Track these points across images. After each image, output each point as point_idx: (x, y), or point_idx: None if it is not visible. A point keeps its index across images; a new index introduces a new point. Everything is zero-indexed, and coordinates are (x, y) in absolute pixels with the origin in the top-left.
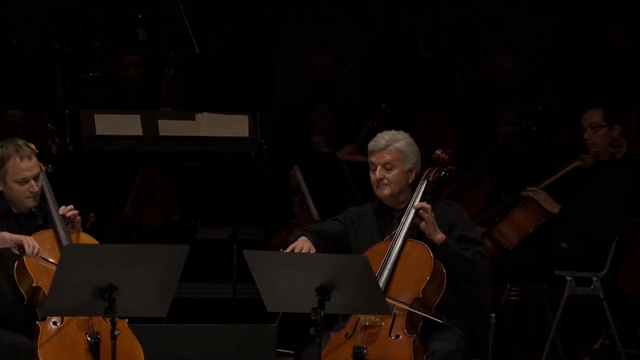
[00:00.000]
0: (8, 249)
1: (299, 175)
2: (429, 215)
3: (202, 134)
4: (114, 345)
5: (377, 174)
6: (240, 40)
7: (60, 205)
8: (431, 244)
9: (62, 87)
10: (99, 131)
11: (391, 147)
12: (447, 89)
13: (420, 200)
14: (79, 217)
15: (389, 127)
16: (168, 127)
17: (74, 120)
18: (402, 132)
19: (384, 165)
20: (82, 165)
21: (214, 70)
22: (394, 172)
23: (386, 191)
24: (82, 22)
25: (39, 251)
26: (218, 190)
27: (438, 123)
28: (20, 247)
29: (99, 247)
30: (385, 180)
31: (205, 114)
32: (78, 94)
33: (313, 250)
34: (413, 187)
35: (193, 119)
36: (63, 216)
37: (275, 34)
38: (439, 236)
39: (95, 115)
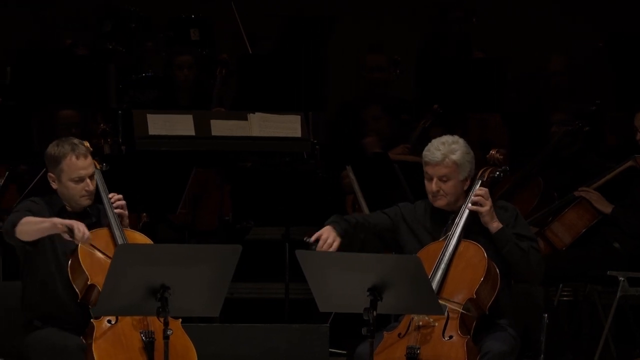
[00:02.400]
0: (63, 246)
1: (351, 176)
2: (487, 201)
3: (254, 134)
4: (166, 345)
5: (434, 186)
6: (292, 41)
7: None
8: (484, 240)
9: (115, 88)
10: (152, 131)
11: (447, 159)
12: (499, 89)
13: (471, 206)
14: (124, 209)
15: (440, 127)
16: (220, 127)
17: (126, 121)
18: (458, 140)
19: (440, 178)
20: (135, 166)
21: (266, 70)
22: (450, 183)
23: (442, 202)
24: (135, 23)
25: (89, 238)
26: (270, 190)
27: (490, 123)
28: (70, 231)
29: (151, 247)
30: (441, 192)
31: (257, 114)
32: (131, 94)
33: (337, 240)
34: (468, 189)
35: (245, 119)
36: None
37: (328, 34)
38: (496, 224)
39: (148, 116)
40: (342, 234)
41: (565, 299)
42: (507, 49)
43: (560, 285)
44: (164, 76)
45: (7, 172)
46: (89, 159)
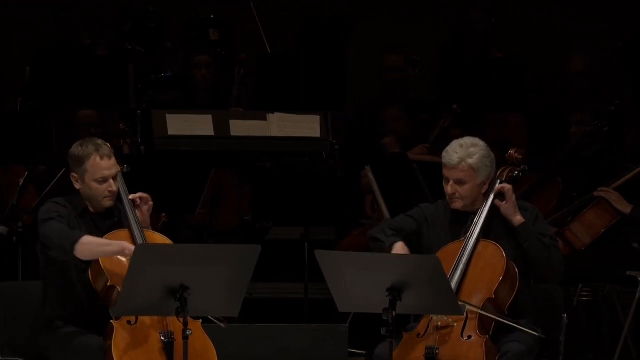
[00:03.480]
0: None
1: (371, 176)
2: (511, 194)
3: (273, 135)
4: (185, 345)
5: (450, 188)
6: (311, 41)
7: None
8: (503, 241)
9: (134, 88)
10: (171, 131)
11: (464, 163)
12: (518, 89)
13: (494, 199)
14: (148, 205)
15: (460, 128)
16: (240, 128)
17: (145, 121)
18: (478, 144)
19: (456, 181)
20: (154, 166)
21: (285, 70)
22: (466, 187)
23: (458, 205)
24: (154, 23)
25: None
26: (289, 190)
27: (510, 124)
28: None
29: (170, 247)
30: (457, 194)
31: (276, 114)
32: (150, 95)
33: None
34: (489, 190)
35: (264, 119)
36: (133, 202)
37: (347, 34)
38: (519, 217)
39: (167, 116)
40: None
41: (584, 299)
42: (527, 49)
43: (580, 286)
44: (183, 76)
45: (26, 173)
46: (113, 160)
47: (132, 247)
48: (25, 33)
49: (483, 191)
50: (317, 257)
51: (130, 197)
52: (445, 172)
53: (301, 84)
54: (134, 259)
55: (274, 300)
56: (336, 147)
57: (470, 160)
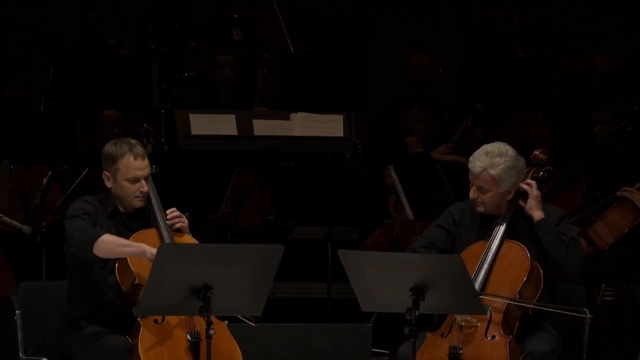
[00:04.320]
0: None
1: (394, 175)
2: (534, 190)
3: (296, 134)
4: (208, 345)
5: (472, 193)
6: (335, 40)
7: (164, 207)
8: (527, 241)
9: (157, 87)
10: (194, 131)
11: (485, 173)
12: (542, 89)
13: (519, 200)
14: (182, 224)
15: (483, 127)
16: (263, 127)
17: (169, 120)
18: (505, 153)
19: (478, 188)
20: (178, 165)
21: (308, 70)
22: (488, 195)
23: (480, 209)
24: (178, 22)
25: None
26: (313, 190)
27: (533, 123)
28: None
29: (193, 247)
30: (479, 199)
31: (300, 113)
32: (173, 94)
33: None
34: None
35: (288, 119)
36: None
37: (370, 34)
38: (540, 213)
39: (191, 115)
40: None
41: (608, 299)
42: (550, 48)
43: (603, 285)
44: (207, 76)
45: (50, 172)
46: (146, 160)
47: (153, 250)
48: (49, 33)
49: (507, 198)
50: (340, 257)
51: (169, 215)
52: (470, 177)
53: (324, 84)
54: (157, 258)
55: (297, 300)
56: (359, 146)
57: (492, 171)
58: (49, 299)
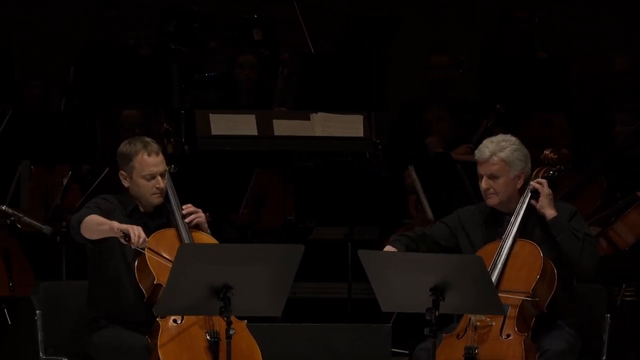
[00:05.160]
0: (130, 247)
1: (414, 175)
2: (544, 188)
3: (316, 134)
4: (228, 345)
5: (484, 184)
6: (355, 41)
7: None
8: (540, 239)
9: (178, 87)
10: (214, 131)
11: (495, 157)
12: (562, 89)
13: (530, 199)
14: (199, 220)
15: (503, 127)
16: (283, 127)
17: (189, 121)
18: (509, 139)
19: (489, 176)
20: (198, 165)
21: (329, 70)
22: (500, 181)
23: (493, 200)
24: (198, 22)
25: (145, 241)
26: (333, 190)
27: (553, 123)
28: (126, 235)
29: (213, 247)
30: (491, 190)
31: (320, 114)
32: (193, 94)
33: None
34: (523, 190)
35: (308, 119)
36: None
37: (390, 34)
38: (552, 211)
39: (211, 115)
40: (408, 250)
41: (628, 299)
42: (570, 48)
43: (624, 286)
44: (227, 76)
45: (70, 172)
46: (161, 156)
47: (120, 226)
48: (69, 33)
49: (518, 186)
50: (360, 257)
51: (184, 211)
52: (479, 169)
53: (345, 84)
54: (178, 258)
55: (317, 300)
56: (379, 147)
57: (501, 154)
58: (69, 299)
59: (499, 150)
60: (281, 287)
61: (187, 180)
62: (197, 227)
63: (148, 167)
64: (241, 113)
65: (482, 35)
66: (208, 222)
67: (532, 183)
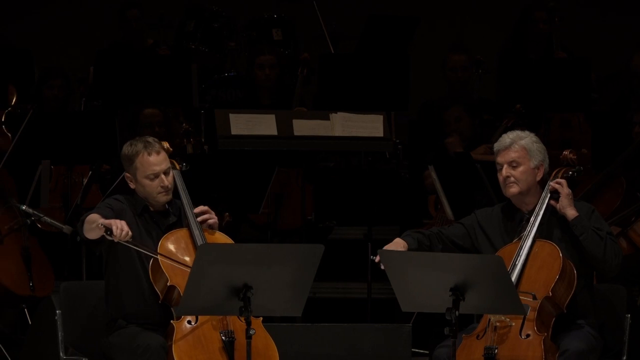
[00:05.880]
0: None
1: (434, 175)
2: (564, 188)
3: (336, 134)
4: (249, 345)
5: (504, 172)
6: (374, 40)
7: (195, 205)
8: (559, 239)
9: (197, 87)
10: (234, 131)
11: (516, 144)
12: (582, 89)
13: (549, 200)
14: (211, 221)
15: (523, 127)
16: (303, 127)
17: (209, 120)
18: (526, 132)
19: (509, 164)
20: (218, 165)
21: (348, 70)
22: (520, 169)
23: (513, 189)
24: (218, 22)
25: (128, 234)
26: (353, 190)
27: (573, 123)
28: (108, 229)
29: (233, 247)
30: (512, 178)
31: (339, 113)
32: (213, 94)
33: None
34: (542, 186)
35: (327, 118)
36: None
37: (410, 34)
38: (573, 211)
39: (230, 115)
40: (413, 246)
41: None
42: (590, 48)
43: None
44: (246, 76)
45: (90, 172)
46: (162, 155)
47: (103, 221)
48: (89, 33)
49: (537, 178)
50: (380, 257)
51: (196, 211)
52: (498, 159)
53: (364, 84)
54: (197, 258)
55: (337, 300)
56: (399, 146)
57: (522, 142)
58: (89, 298)
59: (519, 138)
60: (301, 287)
61: (206, 180)
62: (210, 228)
63: (150, 167)
64: (261, 113)
65: (501, 35)
66: (228, 222)
67: (551, 183)
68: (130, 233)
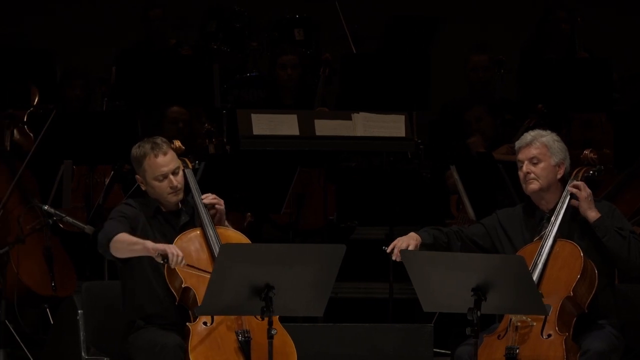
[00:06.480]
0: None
1: (456, 176)
2: (582, 191)
3: (358, 134)
4: (270, 345)
5: (524, 168)
6: (397, 40)
7: (226, 208)
8: (580, 239)
9: (219, 87)
10: (256, 131)
11: (537, 141)
12: (604, 89)
13: (570, 200)
14: (220, 206)
15: (545, 127)
16: (325, 127)
17: (231, 120)
18: (547, 130)
19: (530, 160)
20: (240, 165)
21: (370, 70)
22: (541, 165)
23: (533, 185)
24: (240, 23)
25: (183, 259)
26: (374, 190)
27: (595, 123)
28: (165, 257)
29: (256, 247)
30: (532, 175)
31: (361, 113)
32: (235, 94)
33: (411, 245)
34: (563, 185)
35: (349, 118)
36: (206, 206)
37: (432, 34)
38: (594, 213)
39: (252, 115)
40: (427, 241)
41: None
42: (612, 48)
43: None
44: (268, 76)
45: (112, 172)
46: (169, 155)
47: (157, 246)
48: (111, 33)
49: (558, 176)
50: (402, 257)
51: (203, 199)
52: (520, 156)
53: (386, 84)
54: (219, 258)
55: (359, 300)
56: (421, 146)
57: (542, 139)
58: (110, 298)
59: (540, 136)
60: (323, 287)
61: (228, 180)
62: (218, 219)
63: (158, 168)
64: (283, 113)
65: (523, 35)
66: (250, 222)
67: (569, 188)
68: (183, 258)
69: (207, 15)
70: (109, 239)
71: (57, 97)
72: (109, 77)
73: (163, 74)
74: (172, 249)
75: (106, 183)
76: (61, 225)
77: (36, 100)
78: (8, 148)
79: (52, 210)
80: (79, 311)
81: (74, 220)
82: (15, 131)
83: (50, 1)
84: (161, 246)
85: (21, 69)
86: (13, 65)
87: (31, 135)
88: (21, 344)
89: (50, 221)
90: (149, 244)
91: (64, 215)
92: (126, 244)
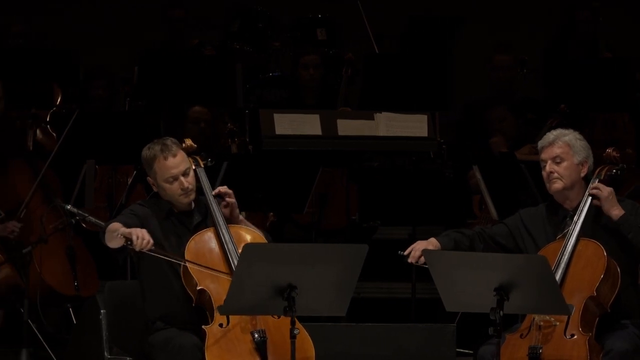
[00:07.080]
0: (176, 250)
1: (478, 175)
2: (602, 191)
3: (380, 134)
4: (293, 344)
5: (548, 167)
6: (419, 40)
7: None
8: (604, 238)
9: (242, 87)
10: (279, 131)
11: (559, 140)
12: (627, 89)
13: (593, 199)
14: (230, 199)
15: (568, 127)
16: (347, 127)
17: (253, 120)
18: (570, 129)
19: (553, 159)
20: (262, 165)
21: (392, 70)
22: (564, 164)
23: (557, 184)
24: (262, 22)
25: (149, 243)
26: (397, 190)
27: (618, 123)
28: (129, 239)
29: (278, 247)
30: (555, 174)
31: (384, 113)
32: (258, 94)
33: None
34: (586, 183)
35: (372, 118)
36: (217, 202)
37: (454, 34)
38: (618, 210)
39: (275, 115)
40: (448, 247)
41: None
42: (636, 48)
43: None
44: (291, 76)
45: (134, 172)
46: (179, 156)
47: (124, 231)
48: (134, 33)
49: (582, 175)
50: (424, 257)
51: (215, 192)
52: (543, 155)
53: (409, 84)
54: (242, 258)
55: (381, 300)
56: (444, 146)
57: (565, 138)
58: (133, 298)
59: (562, 135)
60: (345, 287)
61: (251, 180)
62: (230, 213)
63: (168, 171)
64: (305, 113)
65: (546, 35)
66: (272, 222)
67: (589, 191)
68: (151, 242)
69: (230, 15)
70: (104, 230)
71: (79, 97)
72: (132, 77)
73: (186, 73)
74: (137, 232)
75: (129, 183)
76: (84, 225)
77: (59, 100)
78: (31, 148)
79: (75, 210)
80: (102, 311)
81: (96, 220)
82: (38, 131)
83: (73, 1)
84: (127, 230)
85: (44, 69)
86: (36, 65)
87: (54, 135)
88: (44, 343)
89: (73, 221)
90: (117, 225)
91: (86, 215)
92: (110, 232)
